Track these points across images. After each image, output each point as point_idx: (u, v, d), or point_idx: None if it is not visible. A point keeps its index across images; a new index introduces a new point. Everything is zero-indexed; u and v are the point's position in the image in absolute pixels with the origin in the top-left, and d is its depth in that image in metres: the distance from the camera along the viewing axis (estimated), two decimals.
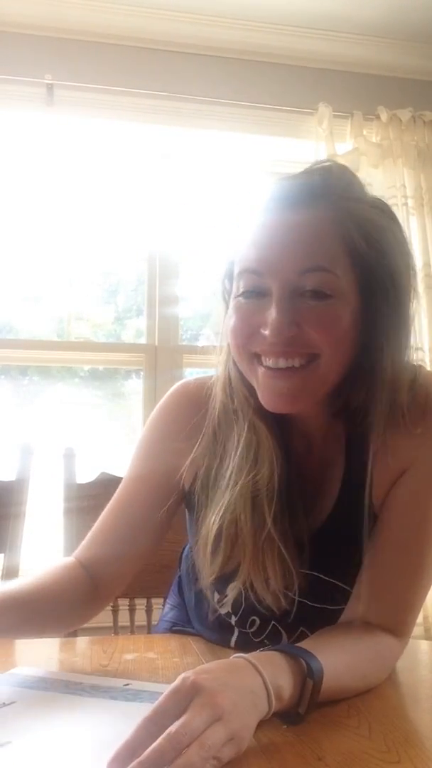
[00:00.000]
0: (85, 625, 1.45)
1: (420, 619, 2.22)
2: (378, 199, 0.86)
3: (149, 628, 1.45)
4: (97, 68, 2.51)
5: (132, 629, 1.47)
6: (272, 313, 0.79)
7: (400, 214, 1.99)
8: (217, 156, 2.75)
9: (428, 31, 2.66)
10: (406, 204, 2.59)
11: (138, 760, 0.53)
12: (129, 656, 0.91)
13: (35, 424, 2.56)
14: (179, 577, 1.15)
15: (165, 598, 1.22)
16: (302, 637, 0.90)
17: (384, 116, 2.66)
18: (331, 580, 0.89)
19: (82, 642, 1.05)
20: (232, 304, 0.85)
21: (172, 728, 0.55)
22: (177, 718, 0.56)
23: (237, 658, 0.66)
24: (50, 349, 2.61)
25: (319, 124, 2.62)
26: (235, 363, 0.87)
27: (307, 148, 2.63)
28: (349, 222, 0.79)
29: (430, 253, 2.58)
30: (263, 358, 0.82)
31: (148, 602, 1.48)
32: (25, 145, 2.58)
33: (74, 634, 1.40)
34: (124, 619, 1.46)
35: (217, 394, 0.91)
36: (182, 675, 0.60)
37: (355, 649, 0.78)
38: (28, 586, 0.89)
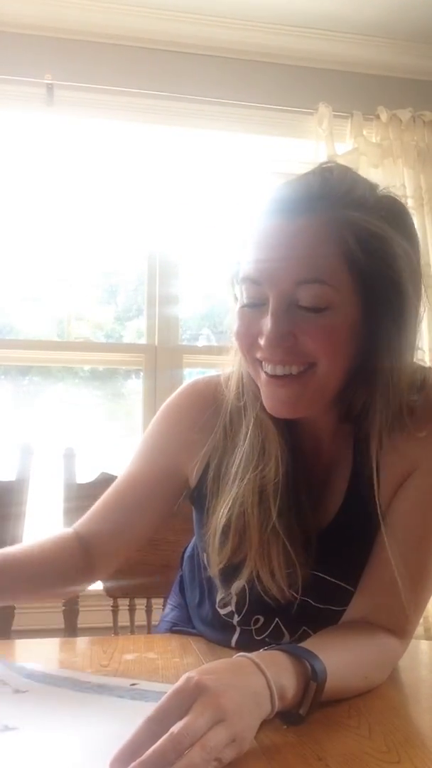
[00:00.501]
0: (85, 625, 1.46)
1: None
2: (386, 197, 0.84)
3: (149, 629, 1.45)
4: (97, 68, 2.51)
5: (132, 629, 1.47)
6: (267, 324, 0.79)
7: None
8: (217, 156, 2.75)
9: (428, 31, 2.66)
10: (405, 204, 2.58)
11: (139, 760, 0.53)
12: (129, 656, 0.91)
13: (35, 424, 2.56)
14: (181, 576, 1.16)
15: (165, 599, 1.22)
16: (304, 636, 0.90)
17: (384, 116, 2.66)
18: (334, 580, 0.89)
19: (82, 642, 1.05)
20: (237, 306, 0.85)
21: (175, 729, 0.55)
22: (180, 718, 0.56)
23: (240, 657, 0.67)
24: (50, 349, 2.61)
25: (319, 124, 2.62)
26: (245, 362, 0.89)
27: (307, 148, 2.63)
28: (347, 230, 0.78)
29: (429, 252, 2.58)
30: (264, 364, 0.82)
31: (148, 602, 1.48)
32: (25, 145, 2.58)
33: (74, 633, 1.40)
34: (124, 619, 1.46)
35: (231, 389, 0.93)
36: (186, 675, 0.60)
37: (358, 649, 0.78)
38: (22, 548, 0.95)
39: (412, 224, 0.87)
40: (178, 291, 2.68)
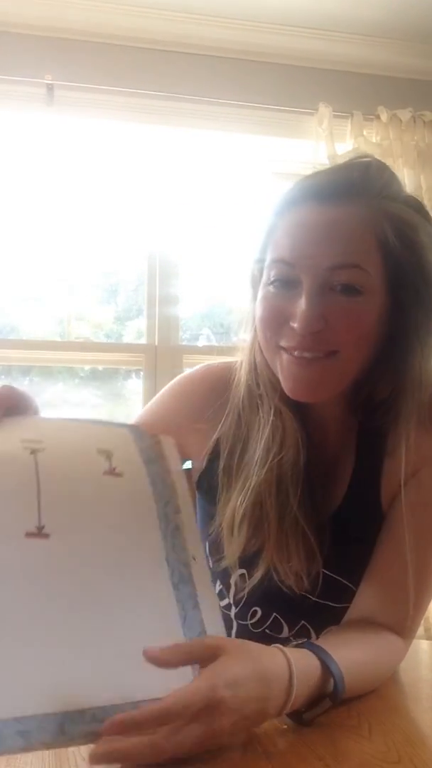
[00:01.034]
0: None
1: None
2: (413, 197, 0.86)
3: None
4: (97, 68, 2.51)
5: None
6: (302, 305, 0.79)
7: None
8: (217, 156, 2.75)
9: (428, 31, 2.65)
10: None
11: (118, 747, 0.53)
12: None
13: None
14: None
15: None
16: (303, 630, 0.90)
17: (384, 116, 2.66)
18: (336, 576, 0.89)
19: None
20: (261, 291, 0.85)
21: (161, 740, 0.54)
22: (185, 720, 0.55)
23: (279, 661, 0.63)
24: (51, 349, 2.61)
25: (319, 124, 2.62)
26: (260, 349, 0.88)
27: (307, 148, 2.63)
28: (385, 220, 0.80)
29: None
30: (288, 349, 0.82)
31: None
32: (25, 145, 2.58)
33: None
34: None
35: (242, 378, 0.92)
36: (213, 684, 0.57)
37: (373, 652, 0.78)
38: None
39: None
40: (178, 291, 2.68)
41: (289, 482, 0.85)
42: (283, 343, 0.82)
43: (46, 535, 0.60)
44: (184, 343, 2.69)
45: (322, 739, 0.63)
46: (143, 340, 2.67)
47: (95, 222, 2.67)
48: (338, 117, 2.63)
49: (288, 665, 0.63)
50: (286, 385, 0.83)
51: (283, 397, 0.86)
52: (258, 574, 0.87)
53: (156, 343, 2.62)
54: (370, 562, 0.86)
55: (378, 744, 0.62)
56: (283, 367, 0.83)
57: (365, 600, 0.85)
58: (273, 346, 0.84)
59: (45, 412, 0.73)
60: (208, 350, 2.76)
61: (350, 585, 0.88)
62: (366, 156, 0.88)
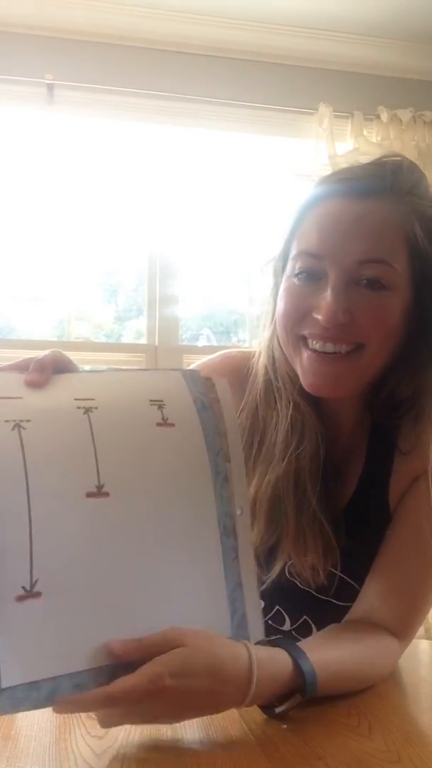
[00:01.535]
0: None
1: None
2: None
3: None
4: (97, 68, 2.51)
5: None
6: (327, 298, 0.79)
7: None
8: (217, 156, 2.75)
9: (428, 31, 2.65)
10: None
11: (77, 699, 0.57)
12: None
13: None
14: None
15: None
16: (304, 625, 0.90)
17: (384, 116, 2.66)
18: (340, 574, 0.89)
19: None
20: (284, 284, 0.85)
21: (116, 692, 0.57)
22: (128, 704, 0.58)
23: (240, 657, 0.62)
24: (50, 349, 2.60)
25: (320, 124, 2.62)
26: (279, 343, 0.87)
27: (307, 148, 2.63)
28: (414, 218, 0.80)
29: None
30: (310, 341, 0.82)
31: None
32: (25, 145, 2.58)
33: None
34: None
35: (259, 372, 0.92)
36: (159, 672, 0.57)
37: (354, 649, 0.78)
38: None
39: None
40: (178, 291, 2.68)
41: (307, 476, 0.85)
42: (305, 332, 0.82)
43: (106, 494, 0.61)
44: (184, 343, 2.69)
45: (322, 738, 0.63)
46: (143, 340, 2.67)
47: (95, 222, 2.67)
48: (338, 117, 2.63)
49: (249, 662, 0.62)
50: (305, 381, 0.83)
51: (301, 392, 0.86)
52: (276, 568, 0.87)
53: (156, 344, 2.62)
54: (375, 561, 0.86)
55: (378, 743, 0.62)
56: (303, 363, 0.83)
57: (366, 599, 0.85)
58: (293, 338, 0.84)
59: None
60: (208, 350, 2.76)
61: (354, 583, 0.88)
62: (396, 155, 0.88)
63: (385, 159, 0.86)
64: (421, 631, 0.89)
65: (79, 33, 2.50)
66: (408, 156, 2.82)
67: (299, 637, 0.87)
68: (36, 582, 0.57)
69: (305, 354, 0.82)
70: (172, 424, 0.67)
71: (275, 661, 0.65)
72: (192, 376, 0.73)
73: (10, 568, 0.56)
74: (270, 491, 0.85)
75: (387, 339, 0.81)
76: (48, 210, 2.62)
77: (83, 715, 0.65)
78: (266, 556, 0.87)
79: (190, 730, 0.64)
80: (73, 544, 0.59)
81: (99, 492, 0.61)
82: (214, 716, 0.64)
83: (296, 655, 0.66)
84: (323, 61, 2.72)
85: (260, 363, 0.92)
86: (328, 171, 0.97)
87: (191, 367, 1.02)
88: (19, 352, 2.68)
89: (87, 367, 2.70)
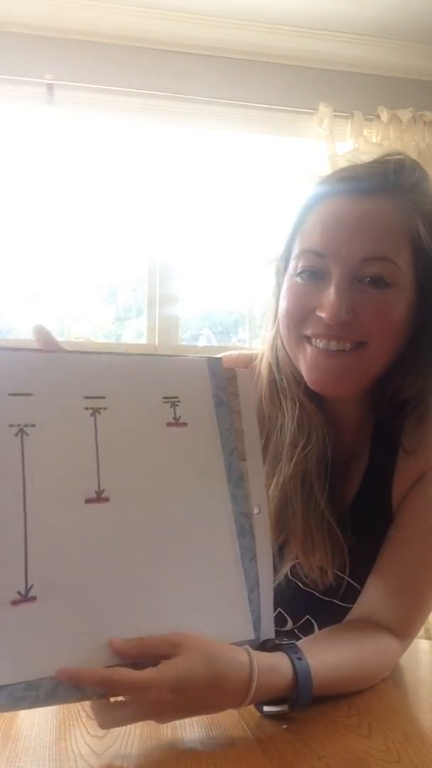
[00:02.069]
0: None
1: None
2: None
3: None
4: (97, 68, 2.51)
5: None
6: (331, 295, 0.78)
7: None
8: (217, 156, 2.75)
9: (428, 31, 2.66)
10: None
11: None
12: None
13: None
14: None
15: None
16: (306, 624, 0.90)
17: (384, 116, 2.66)
18: (342, 575, 0.89)
19: None
20: (286, 283, 0.85)
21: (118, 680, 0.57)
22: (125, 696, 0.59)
23: (241, 665, 0.62)
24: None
25: (320, 124, 2.62)
26: (283, 344, 0.87)
27: (307, 148, 2.63)
28: (417, 216, 0.80)
29: None
30: (313, 340, 0.81)
31: None
32: (25, 144, 2.58)
33: None
34: None
35: (263, 372, 0.91)
36: (158, 686, 0.57)
37: (353, 648, 0.78)
38: None
39: None
40: (178, 291, 2.68)
41: (314, 476, 0.84)
42: (307, 332, 0.81)
43: (106, 499, 0.62)
44: (184, 343, 2.69)
45: (322, 738, 0.63)
46: (143, 340, 2.67)
47: (95, 222, 2.67)
48: (338, 117, 2.64)
49: (250, 670, 0.62)
50: (309, 377, 0.82)
51: (307, 392, 0.85)
52: (285, 569, 0.87)
53: (156, 344, 2.62)
54: (377, 561, 0.86)
55: (378, 743, 0.62)
56: (306, 359, 0.82)
57: (368, 599, 0.85)
58: (296, 337, 0.83)
59: None
60: (208, 350, 2.76)
61: (356, 584, 0.88)
62: (399, 153, 0.88)
63: (387, 157, 0.86)
64: (421, 631, 0.88)
65: (79, 33, 2.50)
66: None
67: (301, 635, 0.87)
68: (31, 587, 0.58)
69: (309, 350, 0.82)
70: (185, 424, 0.67)
71: (276, 671, 0.64)
72: (215, 367, 0.71)
73: (5, 574, 0.57)
74: (278, 492, 0.85)
75: (390, 337, 0.80)
76: (48, 210, 2.62)
77: (83, 715, 0.65)
78: (274, 557, 0.87)
79: (190, 730, 0.64)
80: (70, 550, 0.60)
81: (99, 497, 0.61)
82: (214, 716, 0.64)
83: (297, 665, 0.66)
84: (323, 61, 2.72)
85: (263, 363, 0.92)
86: (328, 171, 0.96)
87: None
88: None
89: None
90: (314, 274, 0.81)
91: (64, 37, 2.50)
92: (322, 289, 0.80)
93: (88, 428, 0.63)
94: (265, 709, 0.66)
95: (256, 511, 0.69)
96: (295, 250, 0.84)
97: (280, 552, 0.86)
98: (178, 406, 0.67)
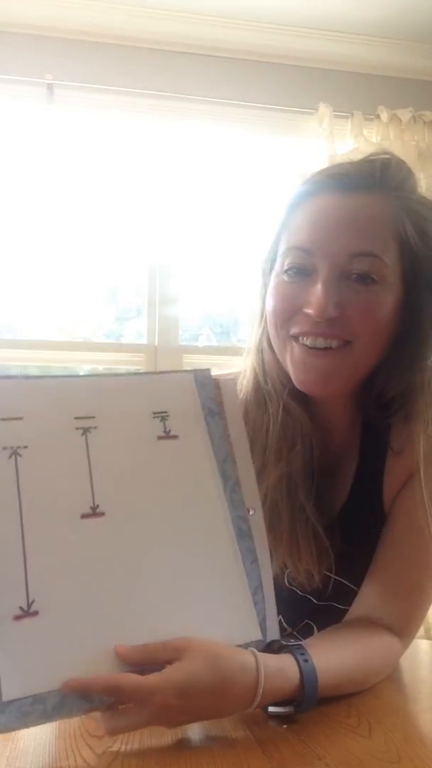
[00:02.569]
0: None
1: None
2: (426, 198, 0.87)
3: None
4: (97, 68, 2.51)
5: None
6: (317, 292, 0.78)
7: None
8: (217, 156, 2.75)
9: (428, 31, 2.66)
10: None
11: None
12: None
13: None
14: None
15: None
16: (306, 628, 0.90)
17: (384, 116, 2.66)
18: (338, 578, 0.89)
19: None
20: (273, 282, 0.84)
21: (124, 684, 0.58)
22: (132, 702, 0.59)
23: (247, 669, 0.62)
24: (50, 349, 2.61)
25: (320, 124, 2.62)
26: (269, 345, 0.87)
27: (307, 148, 2.63)
28: (403, 213, 0.80)
29: None
30: (301, 338, 0.81)
31: None
32: (25, 144, 2.58)
33: None
34: None
35: (247, 376, 0.91)
36: (164, 692, 0.57)
37: (356, 648, 0.78)
38: None
39: None
40: (178, 291, 2.68)
41: (299, 480, 0.85)
42: (295, 330, 0.81)
43: (101, 514, 0.63)
44: (184, 343, 2.69)
45: (322, 738, 0.63)
46: (143, 340, 2.66)
47: (95, 222, 2.67)
48: (338, 117, 2.64)
49: (256, 674, 0.62)
50: (296, 377, 0.82)
51: (292, 394, 0.85)
52: (273, 571, 0.87)
53: (156, 343, 2.62)
54: (372, 561, 0.86)
55: (378, 743, 0.62)
56: (294, 359, 0.82)
57: (365, 599, 0.85)
58: (283, 336, 0.83)
59: None
60: (208, 350, 2.76)
61: (352, 586, 0.88)
62: (385, 152, 0.88)
63: (373, 156, 0.86)
64: (421, 631, 0.88)
65: (79, 33, 2.50)
66: (408, 156, 2.83)
67: (300, 638, 0.87)
68: (33, 602, 0.59)
69: (296, 348, 0.82)
70: (175, 436, 0.68)
71: (283, 674, 0.64)
72: (203, 379, 0.73)
73: (7, 591, 0.58)
74: (264, 498, 0.84)
75: (377, 334, 0.80)
76: (48, 210, 2.62)
77: (83, 716, 0.65)
78: None
79: (190, 730, 0.63)
80: (69, 564, 0.61)
81: (94, 512, 0.63)
82: None
83: (304, 669, 0.66)
84: (323, 61, 2.72)
85: (248, 365, 0.91)
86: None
87: None
88: (20, 352, 2.69)
89: (87, 368, 2.70)
90: (301, 272, 0.81)
91: (64, 37, 2.50)
92: (309, 286, 0.80)
93: (80, 447, 0.64)
94: (271, 709, 0.65)
95: (251, 512, 0.70)
96: (282, 248, 0.84)
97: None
98: (167, 419, 0.69)
